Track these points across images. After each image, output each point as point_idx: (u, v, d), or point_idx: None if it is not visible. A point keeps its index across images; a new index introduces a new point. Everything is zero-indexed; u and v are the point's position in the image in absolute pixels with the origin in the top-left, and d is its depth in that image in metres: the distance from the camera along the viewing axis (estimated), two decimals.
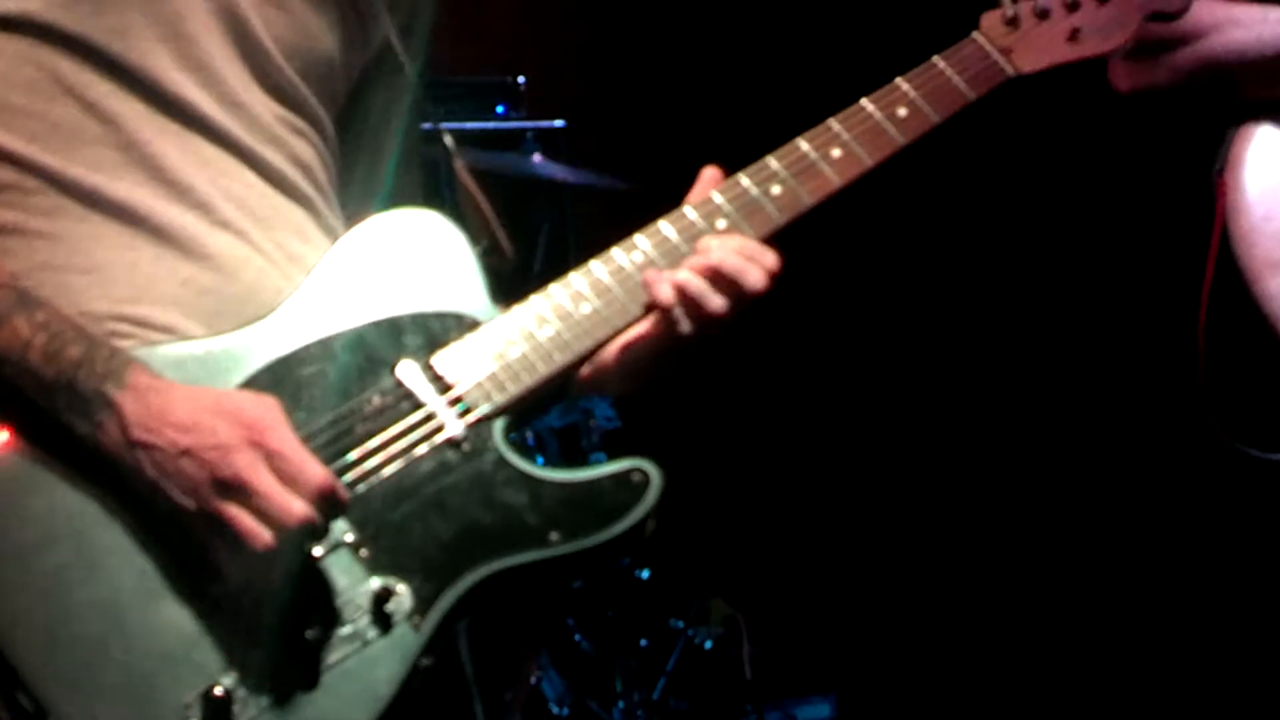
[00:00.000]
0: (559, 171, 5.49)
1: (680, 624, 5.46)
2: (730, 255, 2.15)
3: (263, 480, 1.92)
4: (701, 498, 5.91)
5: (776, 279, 2.17)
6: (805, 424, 6.31)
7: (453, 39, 5.94)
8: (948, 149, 2.42)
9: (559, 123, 5.70)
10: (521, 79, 5.80)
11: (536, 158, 5.46)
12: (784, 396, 6.31)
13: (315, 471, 1.95)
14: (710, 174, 2.23)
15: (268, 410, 1.98)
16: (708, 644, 5.45)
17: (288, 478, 1.93)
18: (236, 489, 1.92)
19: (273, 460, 1.93)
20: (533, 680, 5.06)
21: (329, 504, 1.95)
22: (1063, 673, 5.68)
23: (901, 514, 6.18)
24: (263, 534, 1.91)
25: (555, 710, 5.14)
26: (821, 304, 6.17)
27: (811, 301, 6.06)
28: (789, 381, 6.30)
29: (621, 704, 5.23)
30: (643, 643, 5.37)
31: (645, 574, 5.46)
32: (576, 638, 5.32)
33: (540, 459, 5.09)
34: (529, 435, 5.24)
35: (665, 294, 2.15)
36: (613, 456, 5.40)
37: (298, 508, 1.92)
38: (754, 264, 2.16)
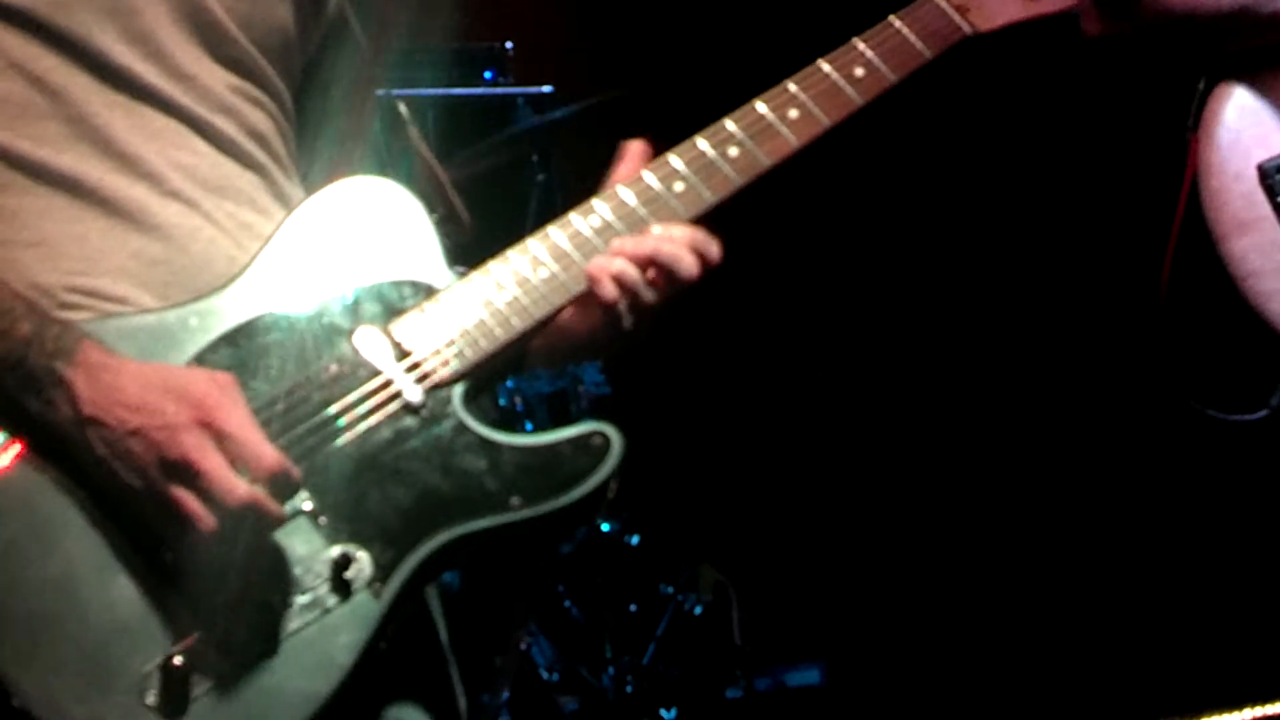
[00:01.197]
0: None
1: (670, 590, 5.46)
2: (666, 243, 2.17)
3: (208, 461, 1.91)
4: (691, 464, 5.94)
5: (713, 267, 2.19)
6: (795, 392, 6.32)
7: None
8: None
9: (547, 88, 5.67)
10: (509, 44, 5.78)
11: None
12: (775, 365, 6.32)
13: (265, 453, 1.94)
14: (636, 148, 2.24)
15: (220, 389, 1.97)
16: (697, 610, 5.47)
17: (237, 459, 1.92)
18: (182, 470, 1.91)
19: (222, 442, 1.92)
20: (523, 646, 5.05)
21: (280, 486, 1.94)
22: (1044, 637, 5.71)
23: (889, 482, 6.19)
24: (206, 517, 1.90)
25: (545, 676, 5.15)
26: (807, 277, 6.17)
27: (797, 275, 6.08)
28: (779, 350, 6.30)
29: (611, 670, 5.24)
30: (632, 608, 5.36)
31: (635, 540, 5.45)
32: (566, 604, 5.32)
33: (530, 425, 5.11)
34: (519, 402, 5.26)
35: (609, 292, 2.15)
36: None
37: (241, 490, 1.91)
38: (690, 251, 2.17)
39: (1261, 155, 2.82)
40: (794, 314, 6.24)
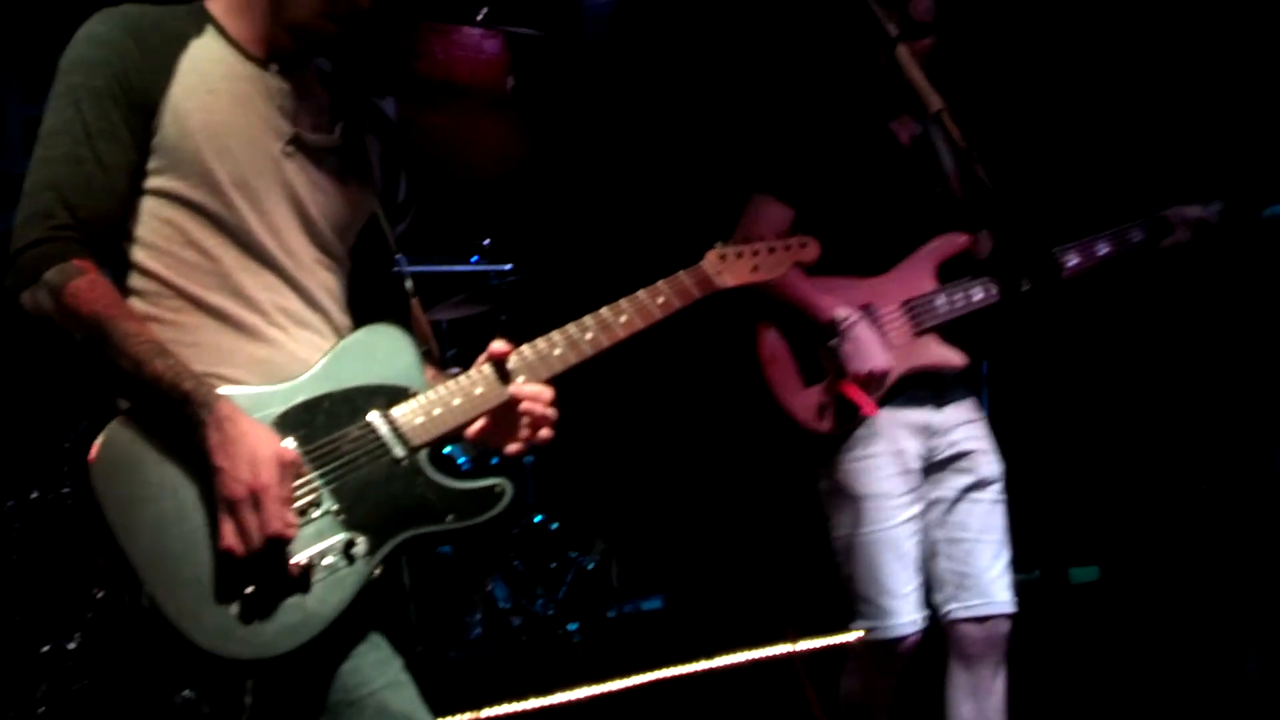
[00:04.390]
0: None
1: (574, 554, 5.41)
2: (543, 405, 2.21)
3: (245, 511, 1.92)
4: (587, 483, 5.91)
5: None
6: (647, 441, 6.28)
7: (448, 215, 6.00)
8: None
9: (508, 266, 5.63)
10: (487, 241, 5.77)
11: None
12: (635, 426, 6.27)
13: (270, 523, 1.93)
14: (497, 345, 2.21)
15: (281, 469, 1.95)
16: (590, 566, 5.41)
17: (261, 515, 1.92)
18: (234, 503, 1.92)
19: (258, 504, 1.92)
20: (488, 588, 5.04)
21: (274, 541, 1.95)
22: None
23: (705, 492, 6.15)
24: (233, 529, 1.93)
25: (501, 605, 5.10)
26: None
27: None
28: (636, 417, 6.25)
29: (540, 601, 5.20)
30: (552, 565, 5.33)
31: (554, 525, 5.42)
32: (515, 562, 5.26)
33: (495, 460, 5.03)
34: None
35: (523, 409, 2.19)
36: (538, 460, 5.29)
37: (235, 536, 1.93)
38: (548, 405, 2.21)
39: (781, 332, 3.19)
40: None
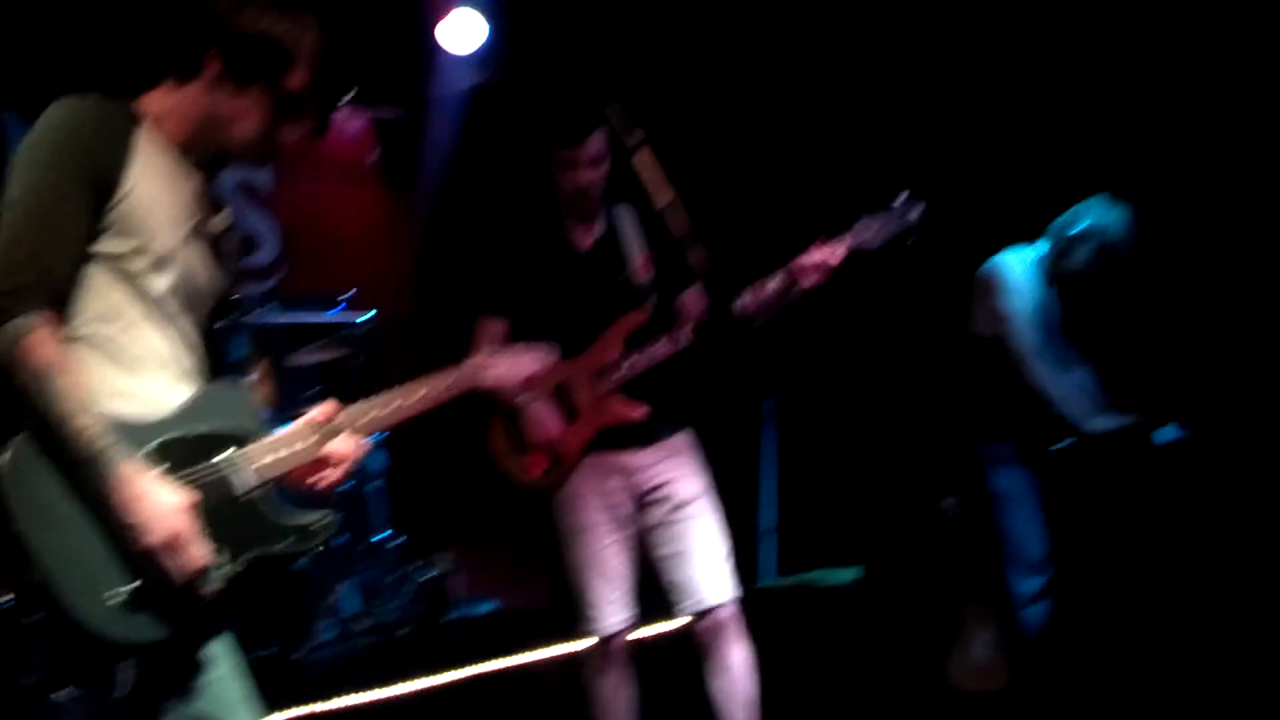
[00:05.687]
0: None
1: (419, 564, 5.50)
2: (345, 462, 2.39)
3: (169, 554, 2.05)
4: (430, 500, 5.93)
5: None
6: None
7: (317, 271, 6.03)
8: None
9: (371, 313, 5.65)
10: (350, 293, 5.80)
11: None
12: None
13: (191, 561, 2.06)
14: (324, 409, 2.38)
15: (184, 518, 2.07)
16: (432, 575, 5.49)
17: (180, 558, 2.06)
18: (154, 551, 2.05)
19: (175, 547, 2.05)
20: (331, 599, 5.11)
21: (195, 573, 2.08)
22: None
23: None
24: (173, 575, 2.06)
25: (350, 612, 5.13)
26: None
27: None
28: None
29: (386, 606, 5.30)
30: (396, 575, 5.41)
31: (402, 539, 5.49)
32: (365, 574, 5.32)
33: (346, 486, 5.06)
34: None
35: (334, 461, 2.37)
36: (390, 483, 5.28)
37: (183, 568, 2.07)
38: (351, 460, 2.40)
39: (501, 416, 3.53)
40: None
